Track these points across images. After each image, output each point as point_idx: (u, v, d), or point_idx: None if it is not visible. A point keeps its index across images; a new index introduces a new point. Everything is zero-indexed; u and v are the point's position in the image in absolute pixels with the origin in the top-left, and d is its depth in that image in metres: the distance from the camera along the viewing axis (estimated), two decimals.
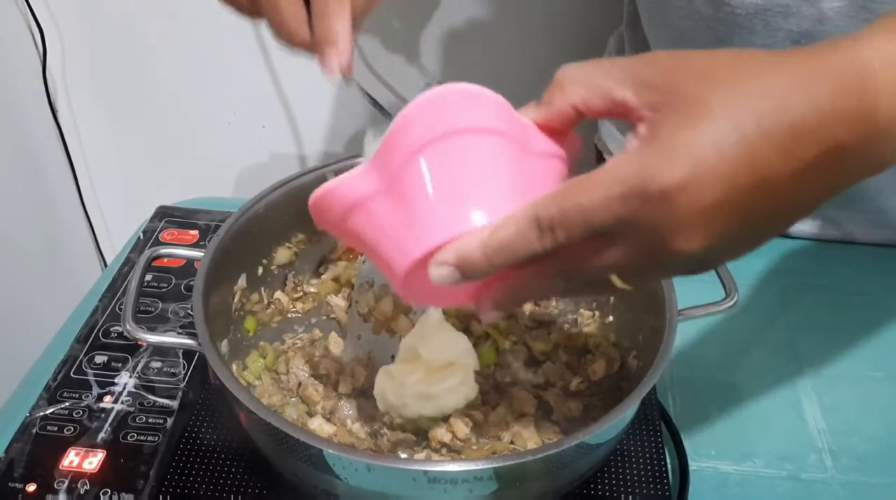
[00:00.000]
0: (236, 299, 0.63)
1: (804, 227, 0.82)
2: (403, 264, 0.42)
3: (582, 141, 0.47)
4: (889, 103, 0.36)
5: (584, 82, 0.41)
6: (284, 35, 0.50)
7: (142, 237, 0.79)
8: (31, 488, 0.56)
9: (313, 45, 0.49)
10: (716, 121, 0.36)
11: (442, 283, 0.41)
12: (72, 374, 0.65)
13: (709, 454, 0.62)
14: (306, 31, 0.50)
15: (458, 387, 0.57)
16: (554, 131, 0.44)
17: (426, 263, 0.42)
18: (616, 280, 0.41)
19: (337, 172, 0.57)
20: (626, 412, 0.50)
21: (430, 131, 0.42)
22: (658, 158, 0.36)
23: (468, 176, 0.42)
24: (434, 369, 0.56)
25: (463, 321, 0.65)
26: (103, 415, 0.62)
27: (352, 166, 0.46)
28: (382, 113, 0.53)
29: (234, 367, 0.61)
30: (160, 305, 0.72)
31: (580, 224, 0.38)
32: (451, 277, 0.41)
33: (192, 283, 0.59)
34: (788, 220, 0.39)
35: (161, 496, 0.56)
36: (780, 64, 0.37)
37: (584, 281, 0.42)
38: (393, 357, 0.61)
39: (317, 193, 0.45)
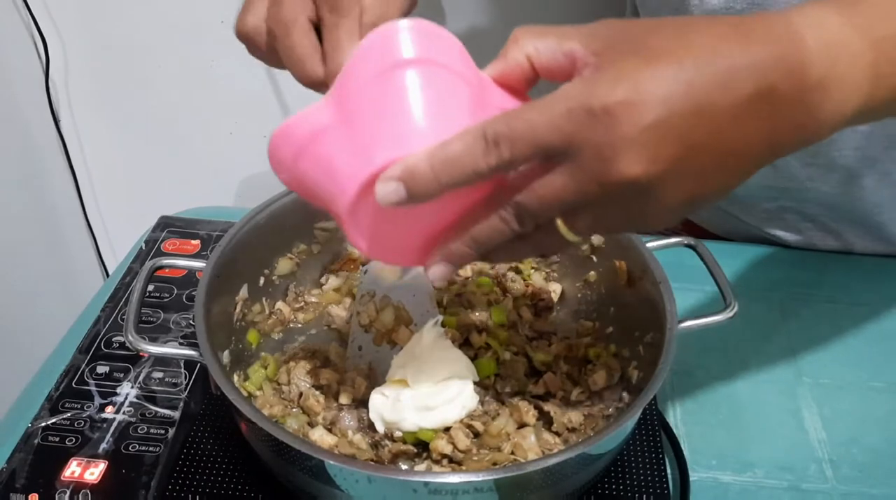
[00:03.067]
0: (238, 310, 0.63)
1: (803, 238, 0.82)
2: (352, 188, 0.41)
3: None
4: (819, 59, 0.39)
5: (536, 35, 0.42)
6: (300, 73, 0.50)
7: (144, 247, 0.80)
8: (33, 498, 0.57)
9: (327, 79, 0.50)
10: (659, 58, 0.38)
11: (388, 201, 0.40)
12: (74, 384, 0.65)
13: (709, 464, 0.62)
14: (321, 69, 0.50)
15: (457, 398, 0.57)
16: (512, 91, 0.44)
17: (373, 193, 0.40)
18: (562, 227, 0.41)
19: None
20: (627, 423, 0.50)
21: (386, 59, 0.42)
22: (603, 80, 0.38)
23: (422, 102, 0.41)
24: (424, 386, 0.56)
25: (463, 333, 0.65)
26: (105, 425, 0.62)
27: None
28: None
29: (236, 377, 0.61)
30: (162, 315, 0.72)
31: (526, 140, 0.38)
32: (396, 193, 0.40)
33: (193, 293, 0.59)
34: (730, 165, 0.40)
35: None
36: (716, 21, 0.40)
37: (532, 223, 0.41)
38: None
39: (276, 130, 0.45)
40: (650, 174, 0.38)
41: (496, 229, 0.42)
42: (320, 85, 0.51)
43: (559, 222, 0.41)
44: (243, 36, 0.53)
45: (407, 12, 0.55)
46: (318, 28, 0.51)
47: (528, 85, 0.44)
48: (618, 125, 0.37)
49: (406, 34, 0.42)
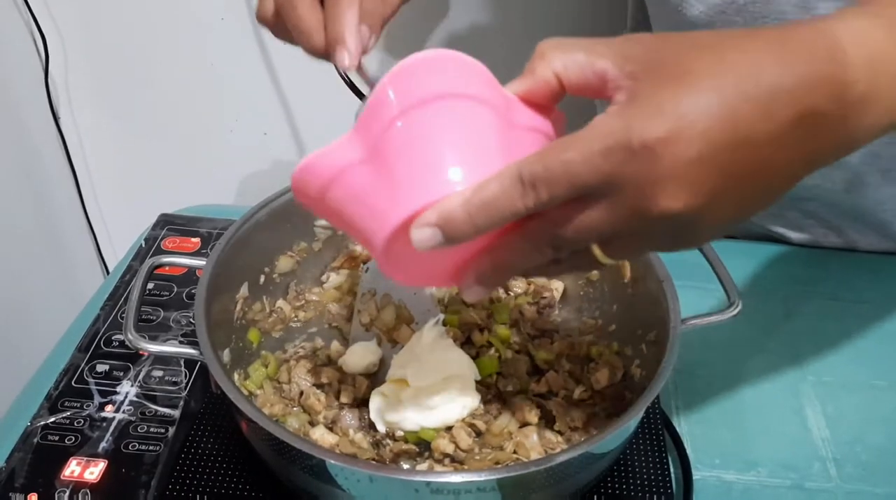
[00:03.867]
0: (238, 308, 0.63)
1: (806, 235, 0.82)
2: (384, 232, 0.41)
3: (567, 119, 0.46)
4: (860, 76, 0.38)
5: (564, 51, 0.41)
6: (306, 45, 0.52)
7: (143, 245, 0.79)
8: (33, 498, 0.56)
9: (328, 46, 0.52)
10: (699, 84, 0.36)
11: (424, 246, 0.40)
12: (73, 383, 0.65)
13: (712, 462, 0.62)
14: (322, 37, 0.52)
15: (458, 398, 0.56)
16: (539, 107, 0.44)
17: (407, 232, 0.40)
18: (598, 252, 0.40)
19: None
20: (630, 422, 0.50)
21: (410, 96, 0.41)
22: (641, 114, 0.36)
23: (451, 140, 0.41)
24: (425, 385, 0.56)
25: (465, 331, 0.65)
26: (104, 424, 0.62)
27: None
28: None
29: (236, 376, 0.61)
30: (162, 313, 0.71)
31: (564, 181, 0.37)
32: (433, 238, 0.39)
33: (193, 291, 0.59)
34: (770, 188, 0.39)
35: None
36: (755, 37, 0.38)
37: (568, 250, 0.41)
38: None
39: (300, 165, 0.45)
40: (691, 208, 0.37)
41: (532, 257, 0.42)
42: (324, 55, 0.52)
43: (595, 249, 0.41)
44: (262, 22, 0.55)
45: None
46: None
47: (556, 100, 0.44)
48: (658, 162, 0.36)
49: (426, 68, 0.42)
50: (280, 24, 0.54)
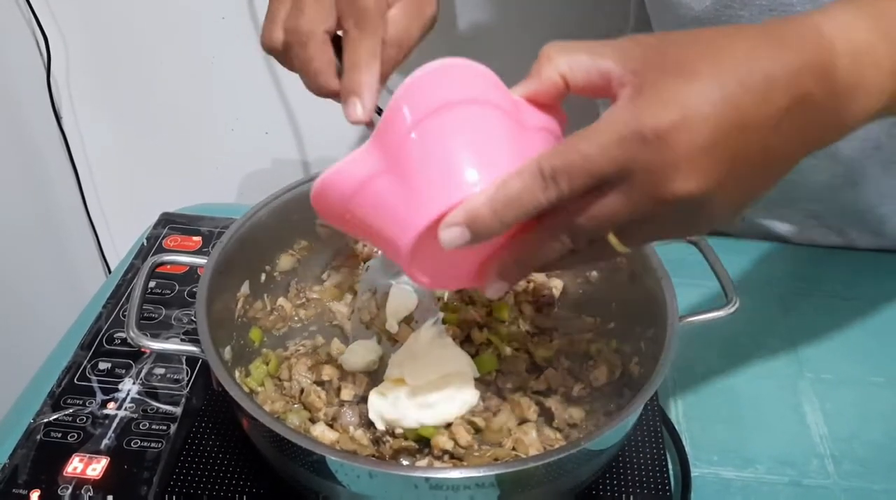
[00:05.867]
0: (239, 306, 0.63)
1: (804, 233, 0.82)
2: (409, 237, 0.42)
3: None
4: (847, 63, 0.40)
5: (569, 52, 0.43)
6: (314, 84, 0.53)
7: (145, 244, 0.80)
8: (35, 494, 0.57)
9: (341, 93, 0.52)
10: (700, 75, 0.38)
11: (452, 245, 0.41)
12: (76, 380, 0.65)
13: (711, 459, 0.62)
14: (335, 82, 0.52)
15: (456, 395, 0.57)
16: (544, 107, 0.45)
17: (432, 236, 0.42)
18: (614, 240, 0.42)
19: None
20: (628, 419, 0.50)
21: (423, 108, 0.42)
22: (650, 105, 0.38)
23: (467, 144, 0.42)
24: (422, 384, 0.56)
25: (464, 329, 0.65)
26: (107, 421, 0.62)
27: None
28: None
29: (237, 373, 0.61)
30: (164, 311, 0.72)
31: (582, 172, 0.39)
32: (461, 237, 0.41)
33: (195, 289, 0.59)
34: (771, 170, 0.41)
35: None
36: (747, 31, 0.41)
37: (585, 240, 0.42)
38: None
39: (319, 181, 0.46)
40: (702, 191, 0.38)
41: (551, 249, 0.43)
42: (332, 97, 0.53)
43: (612, 237, 0.42)
44: (268, 50, 0.55)
45: (429, 27, 0.56)
46: (337, 38, 0.53)
47: (561, 100, 0.45)
48: (670, 147, 0.37)
49: (436, 78, 0.43)
50: (289, 56, 0.53)
